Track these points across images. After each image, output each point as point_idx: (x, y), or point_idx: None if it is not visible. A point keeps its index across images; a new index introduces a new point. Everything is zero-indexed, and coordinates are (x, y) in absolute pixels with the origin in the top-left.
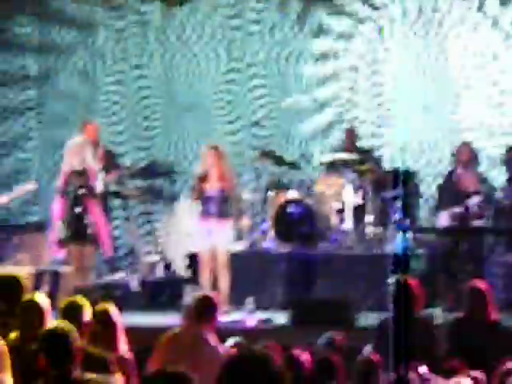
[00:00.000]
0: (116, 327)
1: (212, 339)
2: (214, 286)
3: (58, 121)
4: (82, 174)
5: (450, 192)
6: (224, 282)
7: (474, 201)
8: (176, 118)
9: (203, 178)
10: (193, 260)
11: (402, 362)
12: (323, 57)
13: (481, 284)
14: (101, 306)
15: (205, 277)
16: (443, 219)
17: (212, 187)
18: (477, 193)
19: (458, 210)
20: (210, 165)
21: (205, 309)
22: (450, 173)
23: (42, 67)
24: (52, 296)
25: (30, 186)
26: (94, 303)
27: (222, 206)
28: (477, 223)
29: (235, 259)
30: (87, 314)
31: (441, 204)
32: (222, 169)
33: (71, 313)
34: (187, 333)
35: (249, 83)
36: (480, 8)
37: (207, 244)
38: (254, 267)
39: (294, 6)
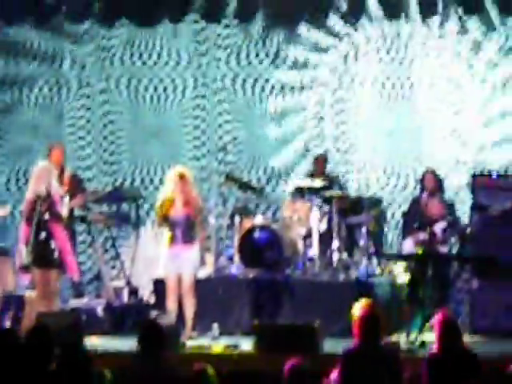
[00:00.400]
0: None
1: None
2: (180, 311)
3: (21, 151)
4: (47, 198)
5: (416, 218)
6: (189, 308)
7: (440, 227)
8: (142, 143)
9: (169, 204)
10: (158, 286)
11: None
12: (288, 85)
13: (449, 314)
14: None
15: (170, 302)
16: (408, 245)
17: (177, 213)
18: (442, 219)
19: (422, 236)
20: (175, 190)
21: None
22: (415, 199)
23: (16, 73)
24: (17, 320)
25: (3, 210)
26: (58, 328)
27: (188, 231)
28: (442, 249)
29: (201, 285)
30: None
31: (406, 230)
32: (188, 194)
33: (35, 338)
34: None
35: (215, 109)
36: (441, 36)
37: (173, 269)
38: (219, 293)
39: (257, 33)
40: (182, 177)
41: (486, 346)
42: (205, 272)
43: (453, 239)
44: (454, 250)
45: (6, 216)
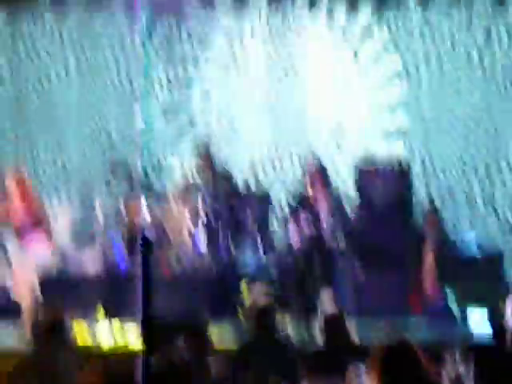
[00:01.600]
0: None
1: None
2: None
3: None
4: None
5: (302, 211)
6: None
7: (327, 218)
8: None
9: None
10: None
11: None
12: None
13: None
14: None
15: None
16: (296, 239)
17: (20, 217)
18: (330, 210)
19: (309, 228)
20: (14, 199)
21: None
22: (302, 192)
23: None
24: None
25: None
26: None
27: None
28: (328, 242)
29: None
30: None
31: (293, 223)
32: (28, 196)
33: None
34: None
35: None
36: (327, 22)
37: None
38: (107, 287)
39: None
40: (20, 182)
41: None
42: None
43: (341, 230)
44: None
45: None
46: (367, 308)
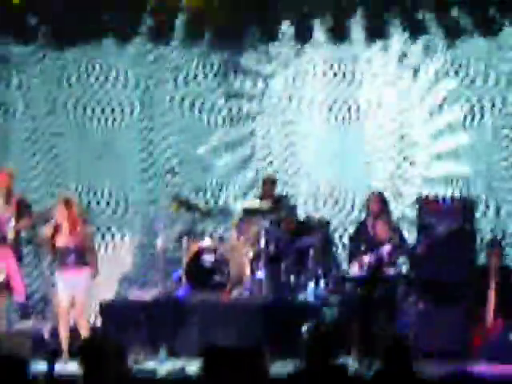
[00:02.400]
0: None
1: None
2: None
3: None
4: None
5: (362, 241)
6: (84, 331)
7: (386, 249)
8: (89, 165)
9: (54, 232)
10: (105, 309)
11: None
12: (238, 98)
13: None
14: None
15: (62, 328)
16: (354, 268)
17: (65, 240)
18: (388, 241)
19: (368, 259)
20: (61, 218)
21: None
22: (362, 222)
23: None
24: None
25: None
26: (4, 351)
27: (78, 256)
28: (389, 272)
29: (148, 307)
30: None
31: (353, 253)
32: (74, 221)
33: None
34: None
35: (163, 131)
36: (400, 60)
37: (67, 295)
38: (167, 315)
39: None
40: (66, 203)
41: (431, 369)
42: (150, 294)
43: (400, 261)
44: (402, 272)
45: None
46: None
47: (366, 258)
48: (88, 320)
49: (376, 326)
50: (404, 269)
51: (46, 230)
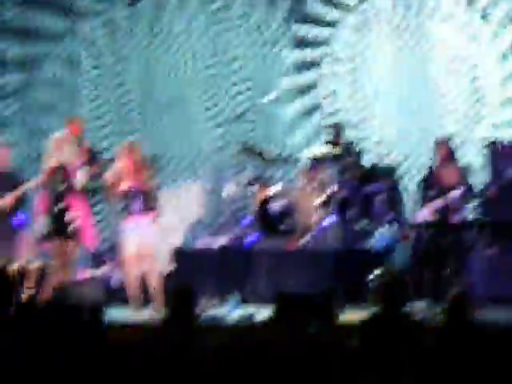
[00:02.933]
0: None
1: None
2: (144, 284)
3: (43, 108)
4: (63, 169)
5: (431, 187)
6: (155, 278)
7: (456, 194)
8: (156, 113)
9: (119, 178)
10: (177, 255)
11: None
12: (306, 45)
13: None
14: None
15: (132, 277)
16: (424, 214)
17: (127, 184)
18: (458, 185)
19: (438, 204)
20: (124, 162)
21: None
22: (430, 168)
23: (25, 53)
24: (37, 290)
25: (33, 183)
26: (78, 298)
27: (143, 202)
28: (457, 217)
29: (218, 254)
30: None
31: (422, 199)
32: (138, 165)
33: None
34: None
35: (230, 78)
36: (469, 3)
37: (134, 241)
38: (236, 262)
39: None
40: (130, 149)
41: (506, 314)
42: (221, 241)
43: (471, 205)
44: (474, 216)
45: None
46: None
47: (436, 204)
48: (158, 267)
49: (445, 271)
50: (474, 214)
51: (109, 174)
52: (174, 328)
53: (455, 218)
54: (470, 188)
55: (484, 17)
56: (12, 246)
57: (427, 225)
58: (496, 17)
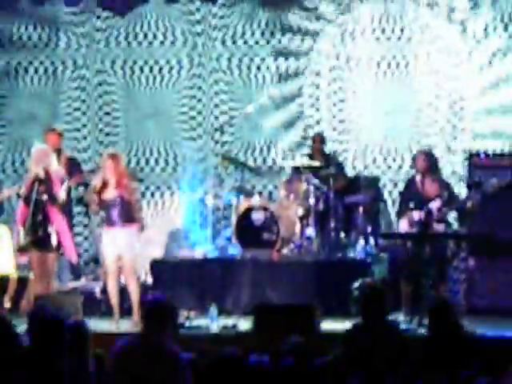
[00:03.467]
0: None
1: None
2: (121, 294)
3: (22, 118)
4: (45, 180)
5: (411, 198)
6: (134, 291)
7: (435, 205)
8: (138, 124)
9: (102, 187)
10: (156, 266)
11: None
12: (286, 56)
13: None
14: None
15: (111, 287)
16: (403, 225)
17: (111, 194)
18: (437, 197)
19: (417, 215)
20: (107, 172)
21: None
22: (411, 179)
23: (4, 64)
24: (16, 301)
25: (14, 189)
26: (58, 309)
27: (124, 212)
28: (438, 228)
29: (198, 265)
30: None
31: (402, 210)
32: (120, 175)
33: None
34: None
35: (211, 89)
36: (448, 16)
37: (113, 252)
38: (217, 273)
39: (260, 10)
40: (113, 158)
41: (483, 326)
42: (200, 253)
43: (450, 217)
44: (451, 229)
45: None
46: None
47: (416, 215)
48: (138, 277)
49: (426, 283)
50: (454, 225)
51: (93, 184)
52: (149, 338)
53: (435, 229)
54: (449, 200)
55: (463, 30)
56: None
57: (406, 236)
58: (474, 30)
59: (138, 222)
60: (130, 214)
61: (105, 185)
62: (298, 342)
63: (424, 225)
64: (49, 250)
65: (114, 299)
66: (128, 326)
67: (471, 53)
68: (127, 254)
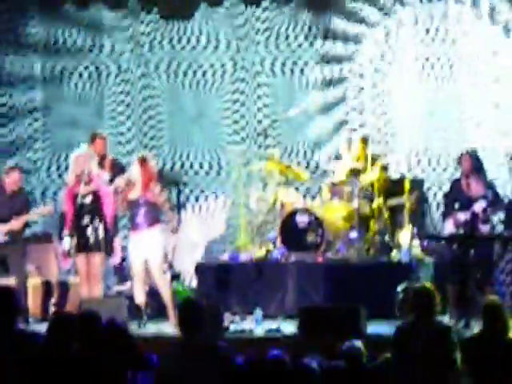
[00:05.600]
0: None
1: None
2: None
3: (67, 123)
4: (89, 183)
5: (456, 199)
6: (165, 293)
7: (480, 206)
8: (182, 128)
9: (129, 188)
10: (200, 270)
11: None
12: (330, 61)
13: (496, 300)
14: None
15: (137, 291)
16: (449, 227)
17: (137, 195)
18: (482, 198)
19: (463, 216)
20: (136, 174)
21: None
22: (456, 180)
23: (49, 69)
24: (60, 307)
25: (47, 209)
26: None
27: (149, 213)
28: (483, 229)
29: (243, 268)
30: None
31: (447, 211)
32: (148, 177)
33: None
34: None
35: (255, 93)
36: (490, 16)
37: (138, 255)
38: (262, 276)
39: (303, 14)
40: (142, 161)
41: None
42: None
43: (495, 218)
44: (497, 229)
45: (52, 214)
46: None
47: (461, 216)
48: (167, 279)
49: (472, 285)
50: (503, 225)
51: (117, 183)
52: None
53: (481, 231)
54: (495, 201)
55: (507, 30)
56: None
57: (452, 238)
58: None
59: (169, 223)
60: (155, 216)
61: (128, 186)
62: (356, 346)
63: (470, 226)
64: (95, 252)
65: (140, 300)
66: (168, 327)
67: None
68: (154, 257)
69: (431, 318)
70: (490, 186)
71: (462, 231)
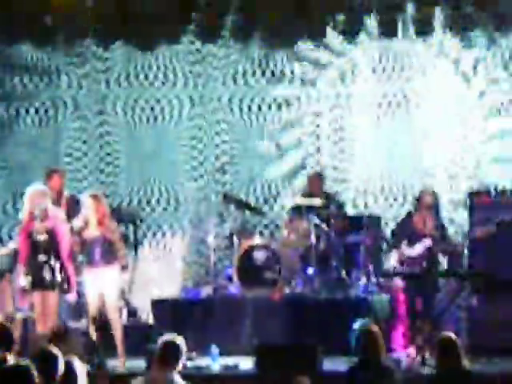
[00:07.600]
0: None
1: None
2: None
3: (19, 167)
4: (44, 220)
5: (404, 234)
6: (117, 330)
7: (425, 244)
8: (139, 164)
9: (83, 227)
10: (157, 306)
11: None
12: (285, 102)
13: (450, 334)
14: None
15: (92, 326)
16: (393, 259)
17: (92, 233)
18: (430, 236)
19: (408, 252)
20: (89, 212)
21: (170, 353)
22: (408, 215)
23: (1, 114)
24: (23, 342)
25: (5, 249)
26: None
27: (106, 251)
28: (424, 267)
29: (200, 304)
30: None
31: (393, 245)
32: (102, 214)
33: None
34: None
35: (212, 129)
36: (440, 52)
37: (94, 292)
38: (218, 312)
39: (255, 52)
40: (94, 198)
41: (485, 365)
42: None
43: (439, 256)
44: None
45: (10, 254)
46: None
47: (409, 252)
48: (120, 317)
49: (426, 321)
50: (447, 264)
51: (74, 224)
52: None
53: (420, 268)
54: (441, 240)
55: (467, 80)
56: None
57: (408, 275)
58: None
59: (121, 260)
60: (112, 253)
61: (86, 225)
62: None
63: (427, 263)
64: (51, 289)
65: (95, 338)
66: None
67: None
68: (110, 293)
69: (377, 357)
70: (440, 225)
71: (407, 267)
